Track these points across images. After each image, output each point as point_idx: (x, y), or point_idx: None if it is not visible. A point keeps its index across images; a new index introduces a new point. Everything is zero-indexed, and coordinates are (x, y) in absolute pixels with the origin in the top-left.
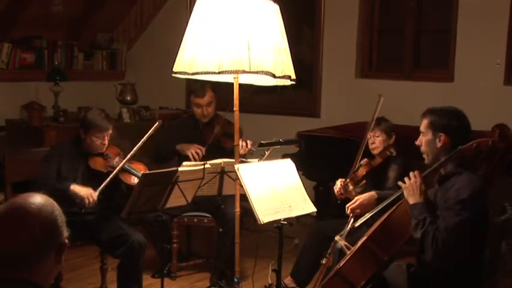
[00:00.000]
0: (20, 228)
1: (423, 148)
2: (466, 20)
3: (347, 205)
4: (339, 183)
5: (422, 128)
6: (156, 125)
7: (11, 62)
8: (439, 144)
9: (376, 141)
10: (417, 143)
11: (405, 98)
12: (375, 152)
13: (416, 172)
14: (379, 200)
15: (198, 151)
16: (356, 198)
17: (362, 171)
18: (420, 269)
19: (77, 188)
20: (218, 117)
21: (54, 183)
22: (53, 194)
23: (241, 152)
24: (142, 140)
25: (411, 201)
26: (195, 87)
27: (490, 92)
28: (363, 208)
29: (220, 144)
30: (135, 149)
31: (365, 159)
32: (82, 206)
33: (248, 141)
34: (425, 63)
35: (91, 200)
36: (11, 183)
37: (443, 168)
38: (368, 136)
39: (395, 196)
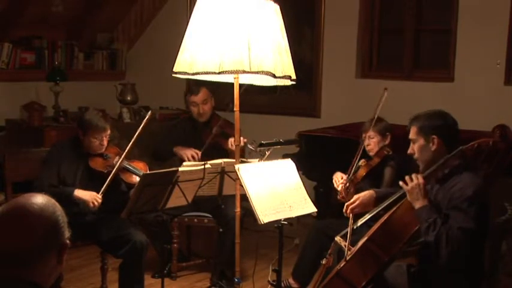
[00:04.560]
0: (22, 228)
1: (417, 155)
2: (467, 20)
3: (346, 203)
4: (339, 177)
5: (412, 136)
6: (148, 115)
7: (11, 62)
8: (433, 148)
9: (371, 142)
10: (409, 151)
11: (405, 98)
12: (371, 153)
13: (418, 175)
14: (378, 199)
15: (194, 155)
16: (355, 197)
17: (362, 172)
18: (421, 269)
19: (81, 193)
20: (216, 117)
21: (57, 189)
22: (54, 196)
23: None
24: (138, 132)
25: (417, 205)
26: (189, 86)
27: (490, 92)
28: (363, 207)
29: (219, 145)
30: (132, 140)
31: (363, 160)
32: (87, 210)
33: (241, 138)
34: (425, 63)
35: (96, 203)
36: (11, 183)
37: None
38: (363, 137)
39: (395, 196)
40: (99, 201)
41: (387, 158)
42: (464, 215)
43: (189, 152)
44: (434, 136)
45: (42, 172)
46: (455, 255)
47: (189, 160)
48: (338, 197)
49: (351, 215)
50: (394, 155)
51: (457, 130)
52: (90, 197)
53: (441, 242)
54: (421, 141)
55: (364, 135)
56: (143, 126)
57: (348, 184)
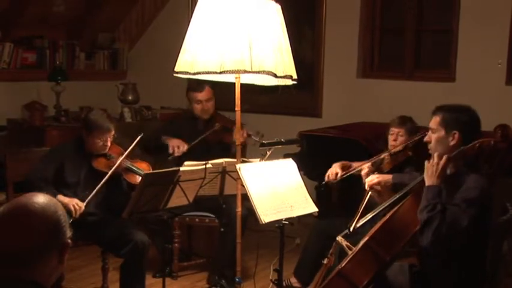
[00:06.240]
0: (23, 228)
1: (433, 145)
2: (468, 20)
3: (366, 179)
4: (335, 169)
5: (433, 125)
6: (138, 138)
7: (12, 62)
8: (452, 142)
9: (398, 139)
10: (426, 139)
11: (406, 98)
12: (392, 150)
13: (445, 156)
14: (394, 186)
15: (180, 146)
16: (376, 175)
17: (388, 166)
18: (422, 270)
19: (62, 198)
20: (218, 115)
21: (43, 186)
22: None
23: (241, 139)
24: (127, 151)
25: (428, 182)
26: (192, 84)
27: (491, 92)
28: (381, 187)
29: (223, 142)
30: (135, 142)
31: (386, 154)
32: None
33: (245, 130)
34: (426, 63)
35: (77, 208)
36: (12, 183)
37: (449, 168)
38: (391, 132)
39: (396, 196)
40: (82, 207)
41: (407, 160)
42: (461, 212)
43: (174, 142)
44: (455, 131)
45: (38, 164)
46: (438, 244)
47: (172, 149)
48: (362, 173)
49: (368, 191)
50: (412, 158)
51: (478, 128)
52: (71, 201)
53: (431, 225)
54: (442, 133)
55: (392, 129)
56: (133, 147)
57: (374, 171)
